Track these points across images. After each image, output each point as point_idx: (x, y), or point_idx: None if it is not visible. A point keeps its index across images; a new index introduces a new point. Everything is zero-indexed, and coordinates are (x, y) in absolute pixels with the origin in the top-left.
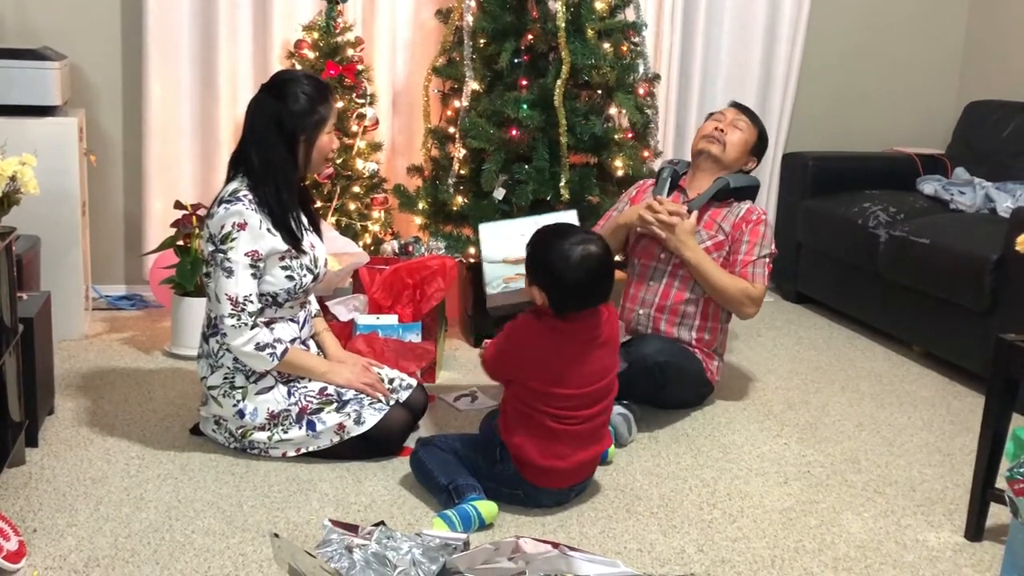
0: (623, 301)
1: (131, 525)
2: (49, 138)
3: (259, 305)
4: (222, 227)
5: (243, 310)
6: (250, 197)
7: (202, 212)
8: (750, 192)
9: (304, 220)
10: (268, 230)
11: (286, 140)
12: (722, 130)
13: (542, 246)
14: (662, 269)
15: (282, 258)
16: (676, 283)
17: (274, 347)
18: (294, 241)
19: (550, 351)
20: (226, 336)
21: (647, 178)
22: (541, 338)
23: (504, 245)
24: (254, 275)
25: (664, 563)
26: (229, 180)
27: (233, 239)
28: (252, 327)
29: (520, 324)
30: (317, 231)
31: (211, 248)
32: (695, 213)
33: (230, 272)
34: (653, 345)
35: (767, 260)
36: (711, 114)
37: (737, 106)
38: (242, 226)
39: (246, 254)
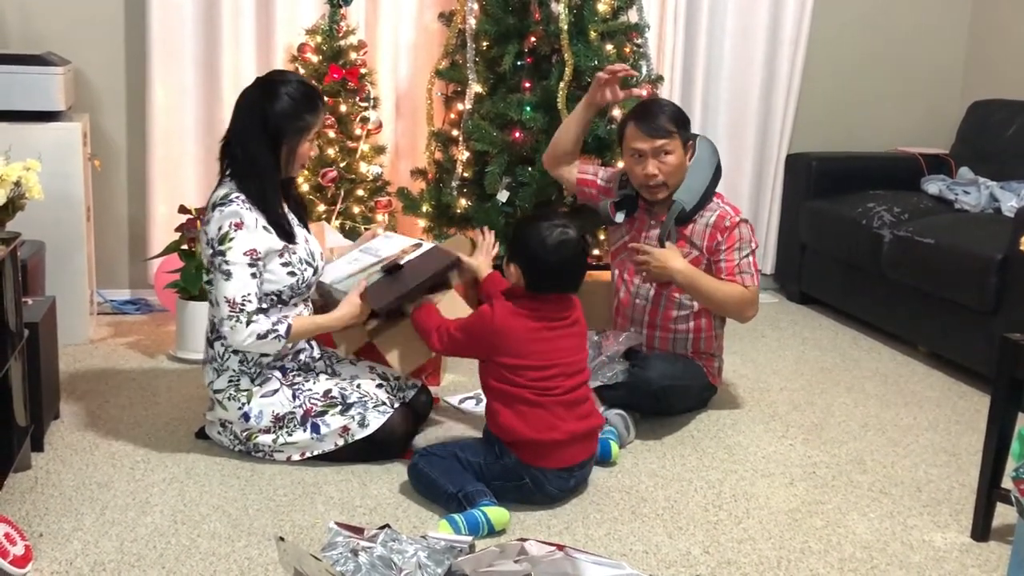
0: (615, 316)
1: (137, 529)
2: (53, 143)
3: (258, 304)
4: (219, 228)
5: (241, 310)
6: (242, 198)
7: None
8: (712, 190)
9: (292, 217)
10: (264, 227)
11: (269, 139)
12: (653, 173)
13: (524, 227)
14: (646, 288)
15: (281, 255)
16: (663, 301)
17: (275, 329)
18: (287, 236)
19: (519, 328)
20: (226, 339)
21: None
22: (513, 317)
23: (344, 269)
24: (253, 275)
25: (670, 565)
26: (221, 173)
27: (231, 239)
28: (248, 323)
29: (492, 305)
30: (305, 226)
31: (210, 252)
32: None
33: (228, 275)
34: (656, 368)
35: (750, 259)
36: (619, 136)
37: (640, 125)
38: (239, 225)
39: (245, 253)
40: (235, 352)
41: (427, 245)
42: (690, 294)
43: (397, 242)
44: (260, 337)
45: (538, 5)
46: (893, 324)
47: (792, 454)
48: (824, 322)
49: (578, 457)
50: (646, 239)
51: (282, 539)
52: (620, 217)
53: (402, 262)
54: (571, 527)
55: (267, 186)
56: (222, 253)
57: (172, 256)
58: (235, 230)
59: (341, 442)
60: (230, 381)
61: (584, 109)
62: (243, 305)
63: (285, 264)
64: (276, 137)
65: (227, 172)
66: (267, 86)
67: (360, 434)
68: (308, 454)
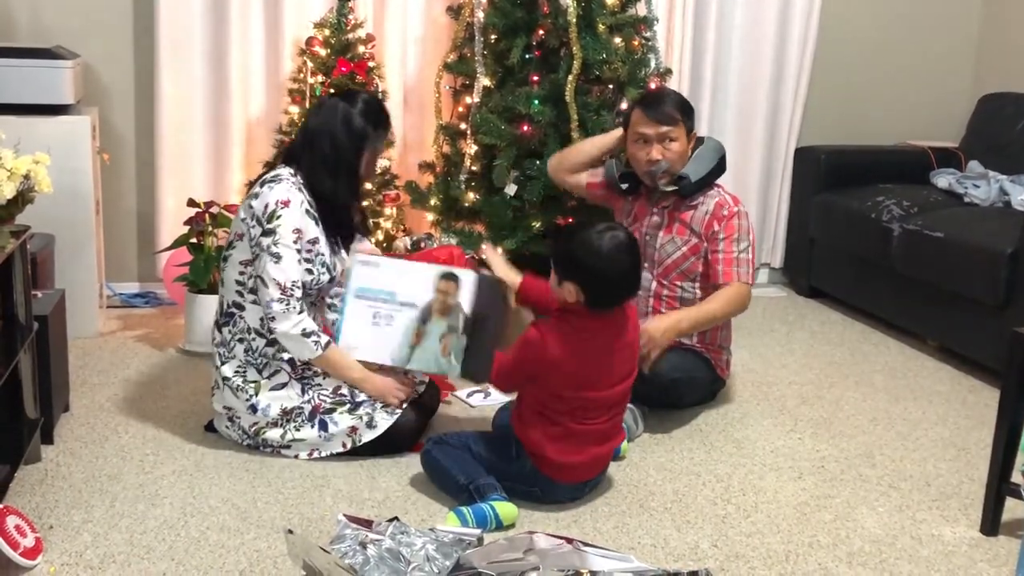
0: None
1: (146, 521)
2: (62, 137)
3: (302, 293)
4: (266, 206)
5: (291, 295)
6: (293, 180)
7: (215, 210)
8: (716, 173)
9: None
10: (307, 211)
11: (353, 140)
12: (656, 158)
13: (572, 241)
14: (648, 277)
15: (309, 250)
16: (664, 290)
17: (319, 337)
18: (328, 230)
19: (577, 354)
20: (274, 320)
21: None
22: (567, 342)
23: (391, 338)
24: (299, 261)
25: (678, 558)
26: (281, 163)
27: (279, 216)
28: (300, 312)
29: (542, 331)
30: (346, 246)
31: (258, 231)
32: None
33: (278, 257)
34: (668, 360)
35: (748, 254)
36: (624, 123)
37: (646, 111)
38: (285, 203)
39: (293, 231)
40: (240, 340)
41: (464, 277)
42: (702, 329)
43: (416, 279)
44: (305, 334)
45: None
46: (902, 318)
47: (801, 448)
48: (833, 316)
49: (594, 474)
50: (647, 226)
51: (291, 531)
52: (625, 185)
53: (467, 312)
54: (579, 520)
55: (340, 185)
56: (272, 232)
57: (181, 250)
58: (282, 208)
59: (349, 443)
60: (237, 371)
61: (612, 142)
62: (292, 291)
63: (307, 261)
64: (360, 137)
65: (291, 162)
66: (348, 94)
67: (368, 436)
68: (316, 455)
